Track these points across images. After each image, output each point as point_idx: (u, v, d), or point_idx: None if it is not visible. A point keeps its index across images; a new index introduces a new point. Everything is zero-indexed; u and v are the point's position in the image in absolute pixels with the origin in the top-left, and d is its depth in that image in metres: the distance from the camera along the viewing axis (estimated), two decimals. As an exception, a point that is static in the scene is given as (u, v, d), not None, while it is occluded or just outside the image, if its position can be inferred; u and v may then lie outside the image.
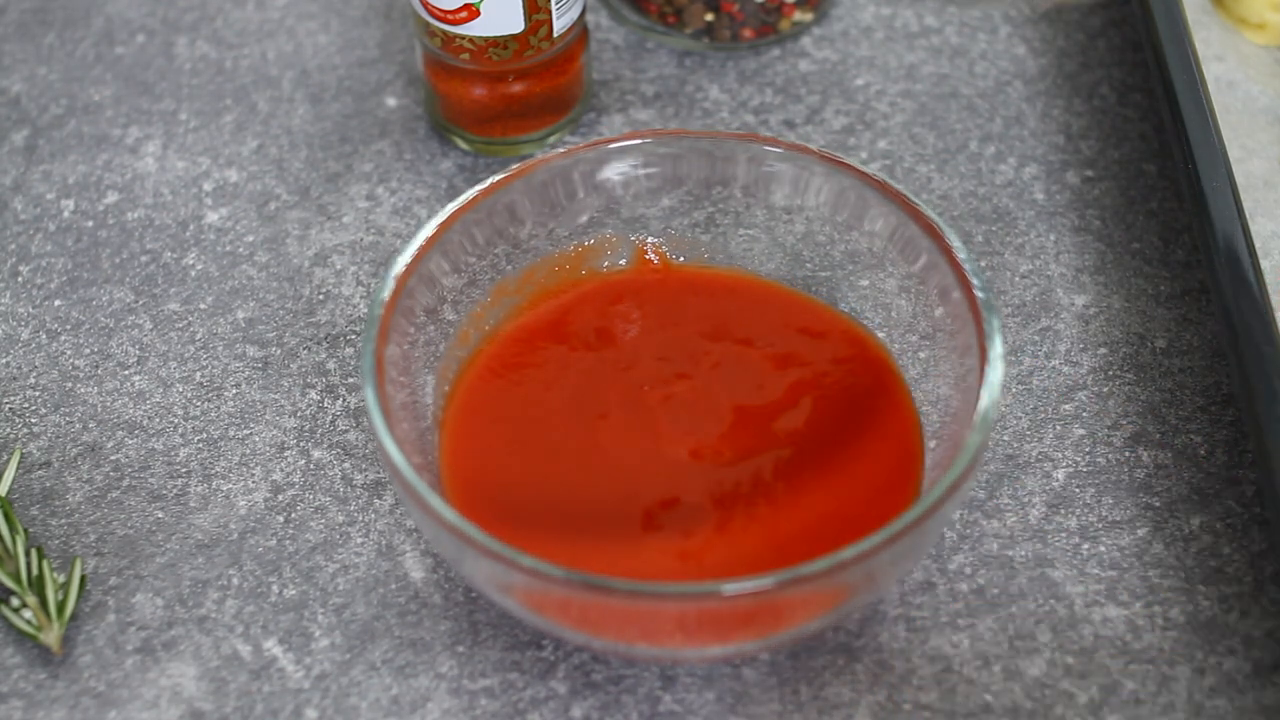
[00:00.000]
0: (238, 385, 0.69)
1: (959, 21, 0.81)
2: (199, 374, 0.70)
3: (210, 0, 0.83)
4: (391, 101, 0.79)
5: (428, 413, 0.62)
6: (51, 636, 0.62)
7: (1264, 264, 0.66)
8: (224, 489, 0.66)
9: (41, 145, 0.78)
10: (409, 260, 0.62)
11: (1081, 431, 0.67)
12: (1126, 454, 0.66)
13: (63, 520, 0.66)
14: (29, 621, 0.62)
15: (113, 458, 0.67)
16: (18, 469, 0.67)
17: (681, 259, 0.68)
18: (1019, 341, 0.70)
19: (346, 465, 0.67)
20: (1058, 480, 0.66)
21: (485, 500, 0.61)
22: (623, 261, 0.67)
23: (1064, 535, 0.64)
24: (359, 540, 0.65)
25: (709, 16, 0.78)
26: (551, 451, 0.62)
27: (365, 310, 0.71)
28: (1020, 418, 0.67)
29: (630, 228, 0.67)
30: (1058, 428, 0.67)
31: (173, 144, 0.78)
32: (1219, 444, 0.66)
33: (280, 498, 0.66)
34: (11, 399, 0.69)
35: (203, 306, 0.72)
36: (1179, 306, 0.70)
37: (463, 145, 0.76)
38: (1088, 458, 0.66)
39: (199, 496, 0.66)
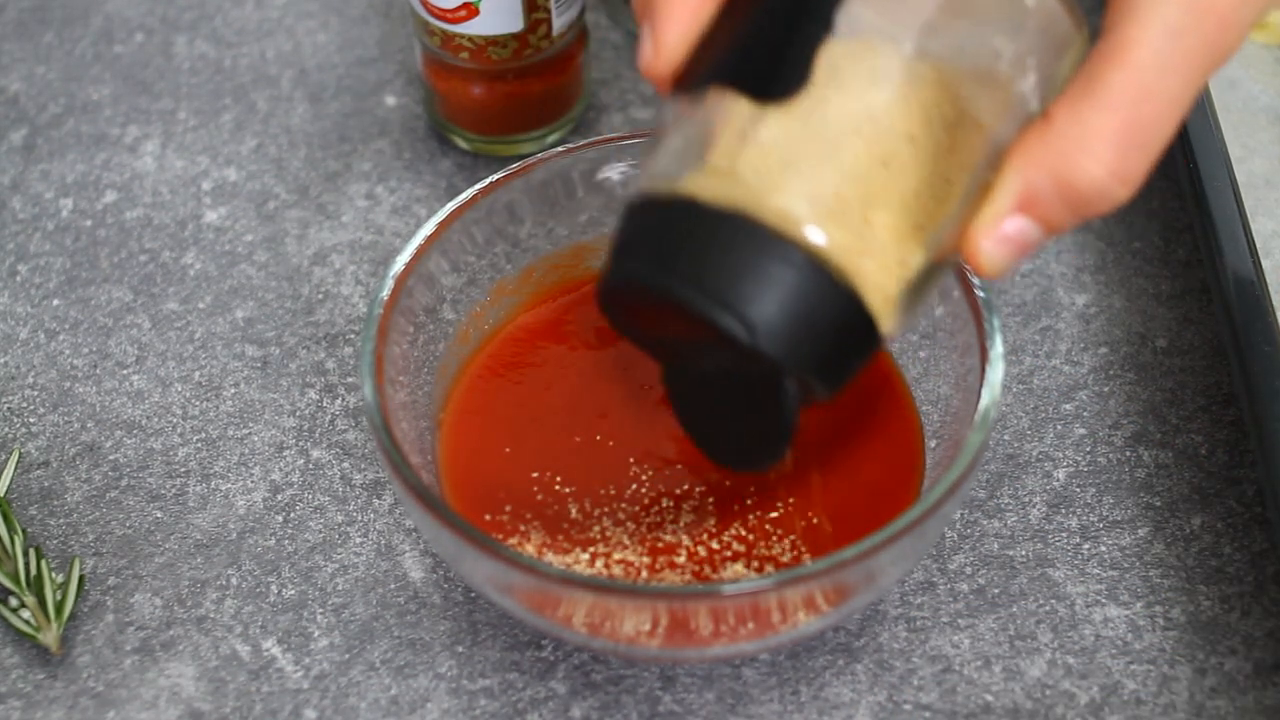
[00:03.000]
0: (236, 385, 0.69)
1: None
2: (198, 373, 0.70)
3: (209, -1, 0.83)
4: (391, 100, 0.79)
5: (427, 412, 0.62)
6: (50, 636, 0.62)
7: (1265, 264, 0.65)
8: (223, 489, 0.66)
9: (40, 144, 0.78)
10: (408, 259, 0.61)
11: (1082, 431, 0.67)
12: (1127, 454, 0.66)
13: (61, 520, 0.66)
14: (28, 621, 0.62)
15: (111, 457, 0.67)
16: (16, 469, 0.67)
17: (681, 258, 0.68)
18: (1019, 341, 0.69)
19: (346, 465, 0.67)
20: (1058, 480, 0.66)
21: (485, 500, 0.61)
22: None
23: (1064, 535, 0.64)
24: (358, 540, 0.65)
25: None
26: (551, 451, 0.62)
27: (364, 310, 0.71)
28: (1020, 417, 0.67)
29: (630, 227, 0.67)
30: (1058, 427, 0.67)
31: (171, 143, 0.77)
32: (1220, 443, 0.66)
33: (279, 497, 0.66)
34: (10, 398, 0.69)
35: (201, 306, 0.72)
36: (1180, 306, 0.70)
37: (462, 145, 0.76)
38: (1088, 457, 0.66)
39: (198, 496, 0.66)
